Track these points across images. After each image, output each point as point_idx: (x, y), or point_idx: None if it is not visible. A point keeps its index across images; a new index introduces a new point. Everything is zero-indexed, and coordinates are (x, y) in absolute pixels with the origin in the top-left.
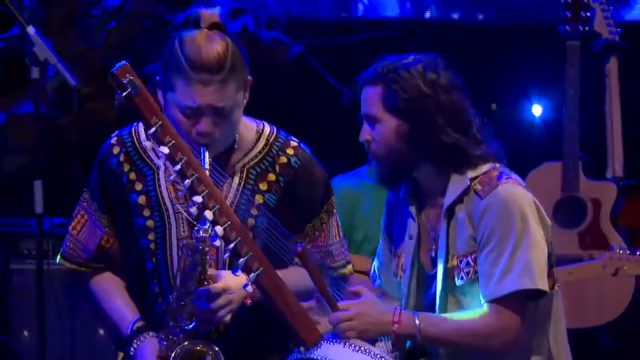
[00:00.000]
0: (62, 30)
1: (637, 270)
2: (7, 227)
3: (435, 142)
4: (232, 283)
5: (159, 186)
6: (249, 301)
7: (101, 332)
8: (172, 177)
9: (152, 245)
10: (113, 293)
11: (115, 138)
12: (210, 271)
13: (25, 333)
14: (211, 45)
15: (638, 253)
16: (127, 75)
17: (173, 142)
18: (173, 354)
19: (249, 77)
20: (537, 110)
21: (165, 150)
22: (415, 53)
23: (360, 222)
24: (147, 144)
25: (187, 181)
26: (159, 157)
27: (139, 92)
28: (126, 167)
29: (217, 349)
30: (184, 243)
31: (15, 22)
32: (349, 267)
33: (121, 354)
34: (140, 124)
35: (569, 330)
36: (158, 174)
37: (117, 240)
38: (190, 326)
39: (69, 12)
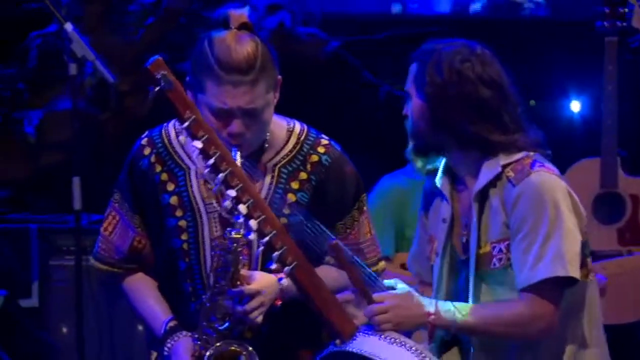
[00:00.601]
0: (98, 26)
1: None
2: (45, 224)
3: (455, 126)
4: (265, 285)
5: (191, 186)
6: (279, 302)
7: (140, 328)
8: (205, 171)
9: (184, 246)
10: (145, 293)
11: (146, 139)
12: (243, 272)
13: (64, 329)
14: (241, 45)
15: None
16: (161, 69)
17: (206, 136)
18: (207, 354)
19: (279, 77)
20: (575, 106)
21: (198, 144)
22: (465, 40)
23: (411, 220)
24: (182, 139)
25: (221, 175)
26: (190, 157)
27: (173, 86)
28: (158, 168)
29: (251, 349)
30: (217, 243)
31: (52, 19)
32: (381, 264)
33: (155, 354)
34: (171, 124)
35: (607, 326)
36: (189, 174)
37: (149, 241)
38: (224, 326)
39: (106, 9)
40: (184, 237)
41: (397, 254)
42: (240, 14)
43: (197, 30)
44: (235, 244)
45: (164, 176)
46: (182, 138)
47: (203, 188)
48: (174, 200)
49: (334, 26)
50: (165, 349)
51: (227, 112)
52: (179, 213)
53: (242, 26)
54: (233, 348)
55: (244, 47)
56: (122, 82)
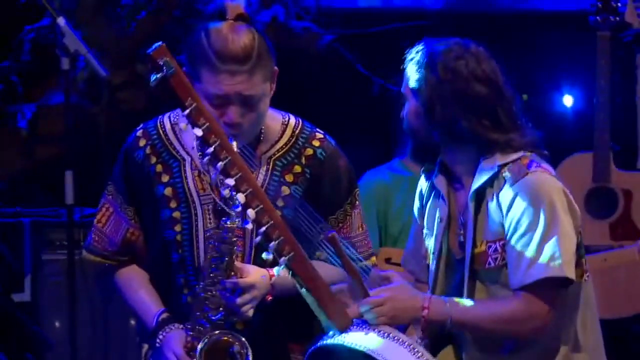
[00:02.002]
0: (92, 20)
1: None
2: (38, 218)
3: (451, 125)
4: (258, 279)
5: (186, 178)
6: (269, 297)
7: (132, 322)
8: (205, 160)
9: (178, 237)
10: (137, 285)
11: (141, 131)
12: (238, 264)
13: (57, 323)
14: (238, 36)
15: None
16: (163, 56)
17: (207, 124)
18: (201, 344)
19: (275, 68)
20: (568, 100)
21: (199, 132)
22: (458, 38)
23: (395, 215)
24: (182, 125)
25: (220, 163)
26: (185, 149)
27: (175, 73)
28: (153, 160)
29: (243, 339)
30: (211, 233)
31: (45, 13)
32: (373, 258)
33: (146, 346)
34: (166, 117)
35: (602, 320)
36: (184, 165)
37: (142, 233)
38: (217, 317)
39: (99, 2)
40: (177, 228)
41: (382, 248)
42: (236, 5)
43: (191, 22)
44: (230, 234)
45: (159, 167)
46: (183, 125)
47: (198, 180)
48: (168, 191)
49: (328, 20)
50: (157, 340)
51: (223, 98)
52: (173, 204)
53: (239, 17)
54: (226, 338)
55: (241, 37)
56: (116, 76)
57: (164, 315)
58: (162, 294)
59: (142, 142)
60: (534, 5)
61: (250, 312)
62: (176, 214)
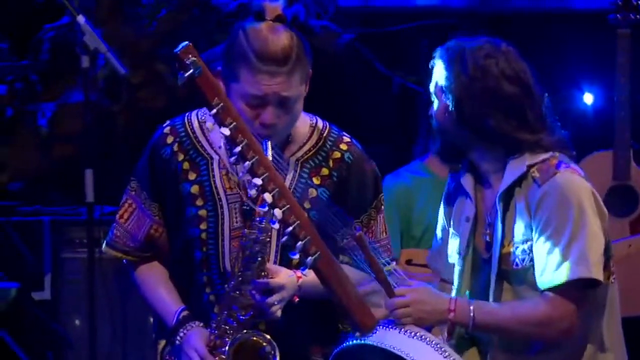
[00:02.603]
0: (111, 18)
1: None
2: (58, 216)
3: (480, 125)
4: (287, 280)
5: (213, 176)
6: (296, 299)
7: (151, 320)
8: (231, 159)
9: (203, 235)
10: (157, 282)
11: (168, 127)
12: (269, 265)
13: (77, 321)
14: (277, 36)
15: None
16: (190, 55)
17: (234, 123)
18: (229, 344)
19: (310, 71)
20: (588, 98)
21: (226, 131)
22: (488, 37)
23: (417, 218)
24: (209, 125)
25: (247, 163)
26: (213, 147)
27: (202, 72)
28: (180, 157)
29: (272, 341)
30: (245, 232)
31: (65, 12)
32: (394, 264)
33: (162, 342)
34: (193, 114)
35: (623, 318)
36: (212, 164)
37: (165, 230)
38: (245, 316)
39: (118, 1)
40: (203, 226)
41: (403, 250)
42: (275, 6)
43: (210, 21)
44: (264, 234)
45: (186, 165)
46: (209, 124)
47: (225, 178)
48: (195, 189)
49: (347, 19)
50: (178, 338)
51: (261, 99)
52: (199, 202)
53: (277, 18)
54: (255, 339)
55: (281, 38)
56: (135, 75)
57: (185, 313)
58: (182, 291)
59: (169, 139)
60: (554, 4)
61: (279, 313)
62: (202, 212)
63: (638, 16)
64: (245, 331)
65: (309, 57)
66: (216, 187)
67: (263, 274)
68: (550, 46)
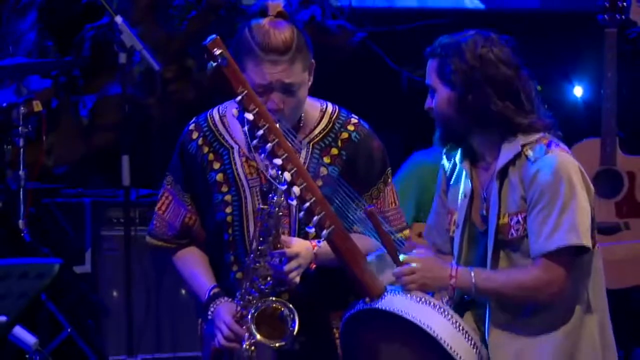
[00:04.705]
0: (146, 18)
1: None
2: (97, 198)
3: (483, 110)
4: (302, 249)
5: (235, 164)
6: (313, 266)
7: (183, 292)
8: (254, 142)
9: (229, 218)
10: (193, 264)
11: (193, 125)
12: (283, 237)
13: (114, 293)
14: (278, 29)
15: None
16: (218, 48)
17: (257, 109)
18: (252, 310)
19: (312, 61)
20: (578, 91)
21: (250, 116)
22: (477, 30)
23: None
24: (233, 111)
25: (269, 145)
26: (233, 137)
27: (228, 63)
28: (205, 149)
29: (291, 306)
30: (260, 208)
31: (104, 12)
32: (406, 232)
33: (200, 320)
34: (215, 110)
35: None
36: (233, 153)
37: (198, 217)
38: (266, 285)
39: (153, 2)
40: (228, 210)
41: (415, 223)
42: (276, 4)
43: (236, 21)
44: (277, 209)
45: (211, 156)
46: (234, 111)
47: (246, 165)
48: (220, 177)
49: (360, 19)
50: (209, 313)
51: (266, 87)
52: (224, 189)
53: (279, 14)
54: (275, 305)
55: (281, 31)
56: (167, 70)
57: (215, 290)
58: (215, 272)
59: (194, 135)
60: (550, 6)
61: (297, 280)
62: (227, 197)
63: (623, 17)
64: (264, 300)
65: (310, 49)
66: (238, 174)
67: (279, 245)
68: (546, 44)
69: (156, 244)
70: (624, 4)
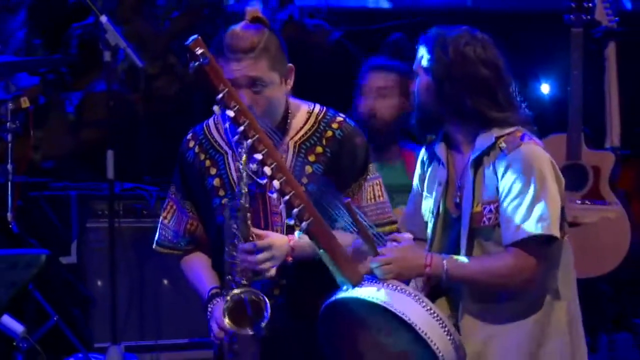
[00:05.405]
0: (130, 18)
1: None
2: (83, 191)
3: (458, 102)
4: (275, 240)
5: (229, 168)
6: (289, 258)
7: (165, 282)
8: (235, 137)
9: None
10: (196, 268)
11: (190, 135)
12: (256, 230)
13: (99, 283)
14: (247, 32)
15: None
16: (199, 47)
17: (237, 106)
18: (223, 305)
19: (290, 65)
20: (545, 88)
21: (230, 113)
22: (467, 26)
23: None
24: (215, 108)
25: (249, 141)
26: (227, 143)
27: (209, 62)
28: (202, 156)
29: (262, 295)
30: (225, 202)
31: (90, 12)
32: (392, 227)
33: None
34: (211, 120)
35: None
36: (227, 158)
37: (200, 223)
38: (243, 280)
39: (137, 2)
40: (226, 214)
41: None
42: (254, 9)
43: (218, 20)
44: (242, 200)
45: (207, 162)
46: (215, 108)
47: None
48: (217, 182)
49: (337, 18)
50: (208, 313)
51: (234, 82)
52: (221, 193)
53: (254, 19)
54: (250, 297)
55: (250, 32)
56: (151, 67)
57: (214, 291)
58: (219, 272)
59: (191, 144)
60: (519, 6)
61: (272, 271)
62: (224, 201)
63: (589, 17)
64: (236, 292)
65: (285, 53)
66: (232, 178)
67: (251, 238)
68: (514, 43)
69: (163, 251)
70: (590, 4)
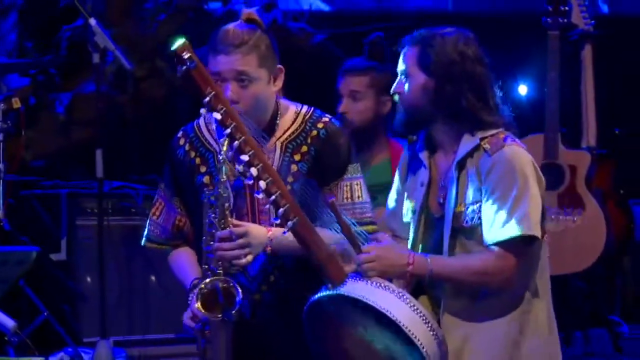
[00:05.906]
0: (119, 21)
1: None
2: (73, 189)
3: (453, 103)
4: (253, 230)
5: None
6: (268, 249)
7: (153, 278)
8: (222, 139)
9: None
10: (182, 261)
11: (180, 133)
12: (234, 221)
13: (89, 279)
14: (239, 29)
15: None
16: (186, 51)
17: (224, 109)
18: (196, 292)
19: (279, 66)
20: (523, 89)
21: (217, 116)
22: (456, 27)
23: None
24: (202, 111)
25: (236, 142)
26: (217, 142)
27: (196, 65)
28: (192, 154)
29: (233, 282)
30: (205, 191)
31: (79, 15)
32: (371, 227)
33: None
34: (201, 119)
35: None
36: (217, 156)
37: (188, 219)
38: (219, 267)
39: (125, 5)
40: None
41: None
42: (249, 11)
43: (203, 23)
44: (220, 189)
45: (197, 160)
46: (202, 110)
47: (228, 167)
48: (206, 179)
49: (320, 21)
50: (188, 302)
51: (220, 75)
52: (211, 190)
53: (249, 19)
54: (222, 285)
55: (242, 30)
56: (139, 69)
57: (195, 282)
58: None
59: (181, 142)
60: (498, 9)
61: (249, 258)
62: (213, 198)
63: (565, 20)
64: (207, 280)
65: (276, 53)
66: None
67: (229, 228)
68: (492, 45)
69: (152, 246)
70: (566, 8)
